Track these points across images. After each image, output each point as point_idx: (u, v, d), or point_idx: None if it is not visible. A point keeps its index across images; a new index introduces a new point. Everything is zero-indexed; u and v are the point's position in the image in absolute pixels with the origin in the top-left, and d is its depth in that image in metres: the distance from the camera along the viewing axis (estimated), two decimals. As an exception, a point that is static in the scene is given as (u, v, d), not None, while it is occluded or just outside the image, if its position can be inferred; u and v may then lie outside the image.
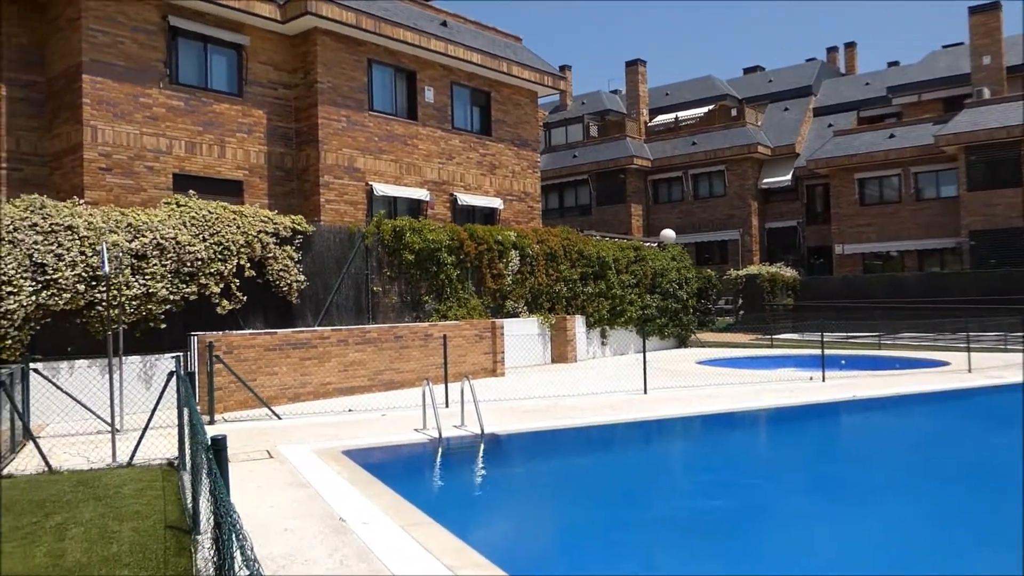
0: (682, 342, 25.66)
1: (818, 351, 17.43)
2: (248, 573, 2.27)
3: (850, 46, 50.36)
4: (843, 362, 19.45)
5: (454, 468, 10.00)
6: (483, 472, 9.90)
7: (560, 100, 50.32)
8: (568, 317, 20.47)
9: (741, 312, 33.45)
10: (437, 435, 10.18)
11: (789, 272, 33.39)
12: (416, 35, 21.20)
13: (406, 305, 17.25)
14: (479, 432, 10.40)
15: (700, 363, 20.22)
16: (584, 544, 7.12)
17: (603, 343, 22.39)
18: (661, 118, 45.96)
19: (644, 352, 14.94)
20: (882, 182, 35.54)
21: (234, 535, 2.60)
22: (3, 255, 11.08)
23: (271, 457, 8.98)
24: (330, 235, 15.90)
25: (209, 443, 3.37)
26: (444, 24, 22.94)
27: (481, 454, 10.26)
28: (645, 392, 14.07)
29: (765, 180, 39.80)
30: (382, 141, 20.88)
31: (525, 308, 19.90)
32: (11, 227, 11.31)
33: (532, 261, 20.10)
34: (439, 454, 9.97)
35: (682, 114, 45.26)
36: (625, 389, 14.59)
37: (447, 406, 12.41)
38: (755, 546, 7.01)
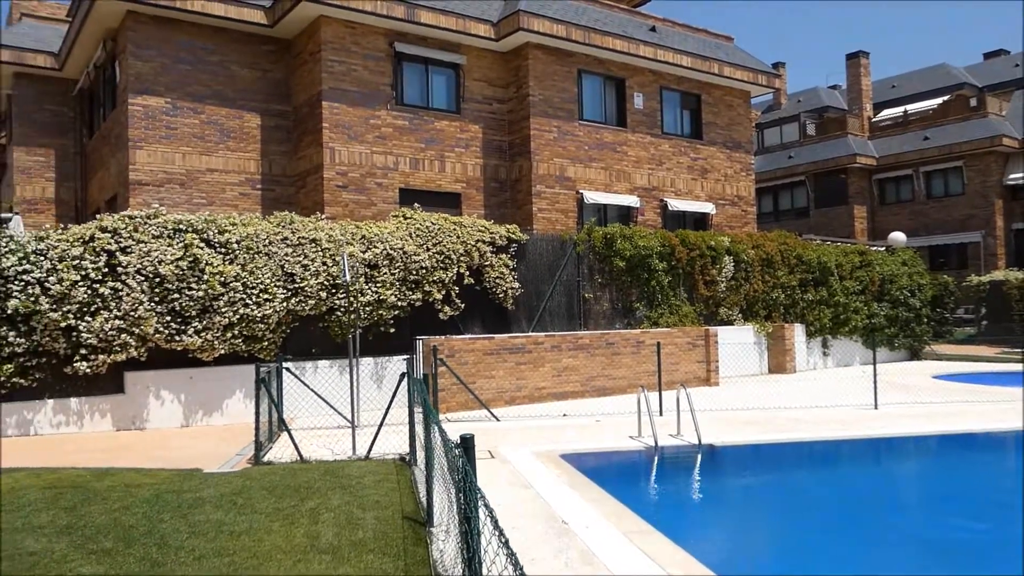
0: (914, 354, 23.60)
1: (1084, 367, 15.35)
2: (512, 571, 2.39)
3: (1120, 18, 43.97)
4: None
5: (672, 477, 9.87)
6: (702, 483, 9.69)
7: (774, 99, 48.14)
8: (786, 325, 19.52)
9: (984, 322, 30.16)
10: (653, 443, 10.09)
11: (1044, 278, 29.65)
12: (625, 43, 21.24)
13: (617, 312, 17.28)
14: (696, 442, 10.19)
15: (936, 377, 18.49)
16: (814, 566, 6.74)
17: (824, 353, 21.12)
18: (887, 112, 42.60)
19: (874, 364, 13.93)
20: None
21: (491, 530, 2.75)
22: (260, 266, 12.45)
23: (492, 457, 9.35)
24: (542, 243, 16.31)
25: (459, 440, 3.58)
26: (653, 29, 22.78)
27: (699, 465, 10.05)
28: (875, 407, 13.10)
29: (1012, 176, 35.63)
30: (592, 149, 21.10)
31: (739, 316, 19.23)
32: (267, 241, 12.68)
33: (747, 267, 19.38)
34: (656, 462, 9.89)
35: (911, 107, 41.63)
36: (851, 403, 13.68)
37: (661, 414, 12.29)
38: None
